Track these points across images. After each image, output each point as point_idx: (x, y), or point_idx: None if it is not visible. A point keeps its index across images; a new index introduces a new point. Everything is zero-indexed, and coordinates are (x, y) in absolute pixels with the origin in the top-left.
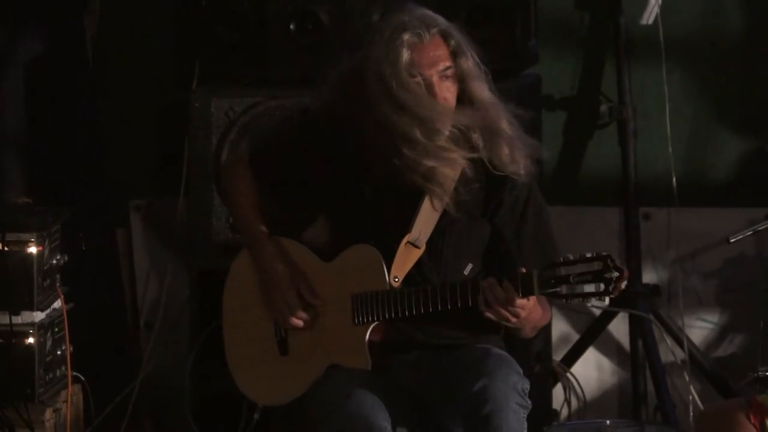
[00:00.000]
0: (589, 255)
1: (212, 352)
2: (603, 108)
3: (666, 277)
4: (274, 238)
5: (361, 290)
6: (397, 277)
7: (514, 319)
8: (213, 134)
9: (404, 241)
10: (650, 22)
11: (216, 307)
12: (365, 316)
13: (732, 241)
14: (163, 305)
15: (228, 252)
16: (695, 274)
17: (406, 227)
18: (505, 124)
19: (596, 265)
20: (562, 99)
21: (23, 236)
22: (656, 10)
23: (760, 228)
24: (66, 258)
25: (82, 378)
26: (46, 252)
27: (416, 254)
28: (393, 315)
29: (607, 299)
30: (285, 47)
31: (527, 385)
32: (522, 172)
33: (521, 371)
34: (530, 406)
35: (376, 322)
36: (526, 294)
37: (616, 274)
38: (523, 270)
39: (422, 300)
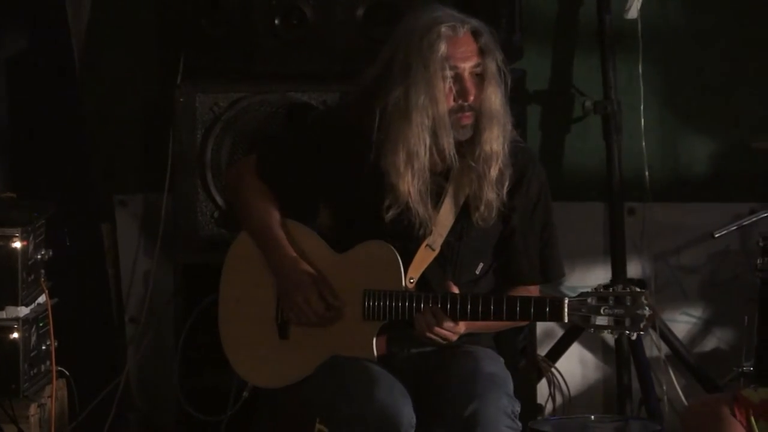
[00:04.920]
0: (623, 289)
1: (199, 345)
2: (587, 103)
3: (650, 271)
4: (288, 229)
5: (373, 286)
6: (413, 279)
7: (453, 338)
8: (198, 129)
9: (424, 243)
10: (633, 16)
11: (202, 301)
12: (376, 313)
13: (717, 235)
14: (148, 300)
15: (213, 246)
16: (680, 268)
17: (425, 230)
18: (503, 140)
19: (629, 300)
20: (547, 94)
21: (8, 231)
22: (638, 4)
23: (745, 223)
24: (51, 253)
25: (67, 373)
26: (31, 247)
27: (431, 256)
28: (404, 316)
29: (636, 335)
30: (270, 42)
31: (518, 408)
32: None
33: (511, 391)
34: (520, 429)
35: (385, 321)
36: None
37: (648, 311)
38: (454, 289)
39: (438, 306)
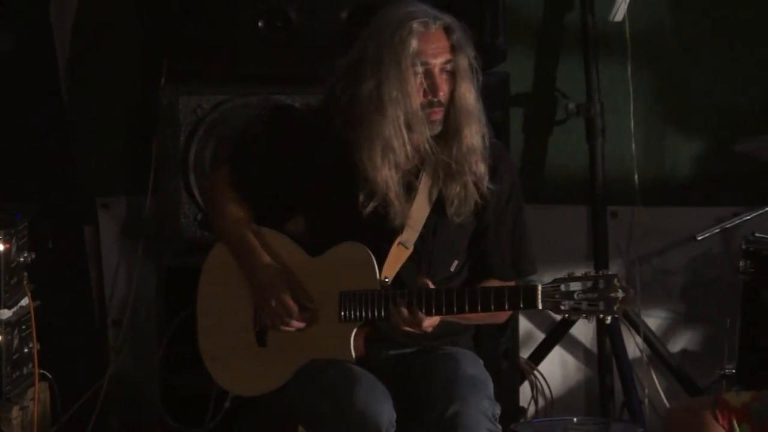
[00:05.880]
0: (595, 273)
1: (181, 347)
2: (571, 105)
3: (633, 274)
4: (262, 236)
5: (349, 288)
6: (387, 278)
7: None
8: (181, 132)
9: (396, 241)
10: (618, 19)
11: (184, 303)
12: (353, 314)
13: (699, 238)
14: (131, 302)
15: (196, 249)
16: (663, 271)
17: (398, 228)
18: (476, 137)
19: (601, 284)
20: (530, 96)
21: None
22: (624, 7)
23: (728, 225)
24: (33, 255)
25: (50, 375)
26: (13, 249)
27: (405, 254)
28: (381, 315)
29: (610, 318)
30: (254, 45)
31: (498, 410)
32: (485, 183)
33: (492, 394)
34: (501, 431)
35: (362, 321)
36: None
37: (621, 294)
38: (429, 284)
39: (414, 302)
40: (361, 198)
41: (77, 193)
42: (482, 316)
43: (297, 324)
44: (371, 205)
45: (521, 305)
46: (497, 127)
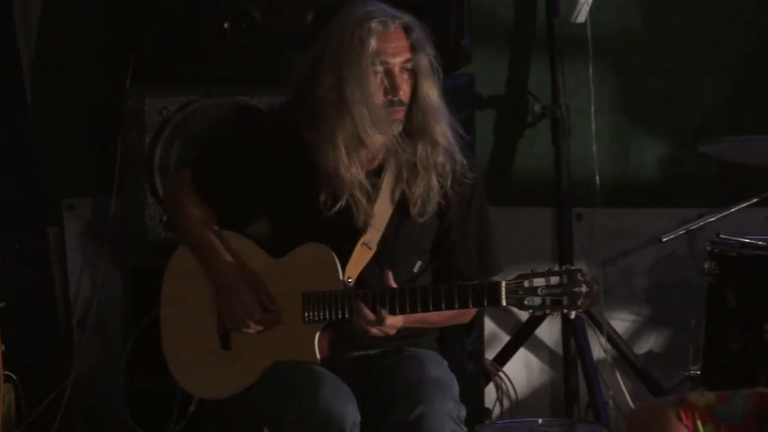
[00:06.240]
0: (558, 268)
1: (146, 349)
2: (536, 107)
3: (599, 275)
4: (224, 239)
5: (312, 289)
6: (350, 278)
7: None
8: (147, 133)
9: (360, 242)
10: (581, 20)
11: (149, 305)
12: (316, 315)
13: (664, 240)
14: (96, 303)
15: (161, 250)
16: (628, 273)
17: (361, 228)
18: (442, 135)
19: (565, 279)
20: (495, 98)
21: None
22: (586, 8)
23: (693, 227)
24: None
25: (14, 377)
26: None
27: (368, 254)
28: (345, 315)
29: (574, 313)
30: (219, 46)
31: (463, 412)
32: (449, 182)
33: (457, 396)
34: None
35: (326, 322)
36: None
37: (585, 288)
38: (392, 283)
39: (377, 301)
40: (324, 198)
41: (42, 194)
42: (447, 317)
43: (260, 327)
44: (334, 206)
45: (485, 302)
46: (462, 129)
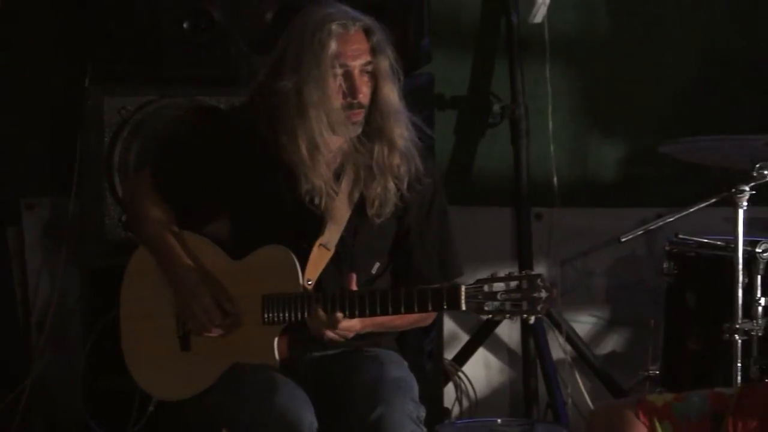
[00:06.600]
0: (518, 273)
1: (105, 350)
2: (495, 107)
3: (558, 276)
4: (184, 240)
5: (272, 291)
6: (310, 280)
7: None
8: (106, 133)
9: (317, 243)
10: (538, 20)
11: (108, 305)
12: (275, 317)
13: (623, 240)
14: (55, 304)
15: (120, 250)
16: (587, 273)
17: (319, 230)
18: (400, 138)
19: (525, 283)
20: (455, 98)
21: None
22: (543, 9)
23: (651, 227)
24: None
25: None
26: None
27: (327, 256)
28: (304, 317)
29: (533, 318)
30: (178, 45)
31: (423, 413)
32: (406, 185)
33: (416, 396)
34: None
35: (285, 324)
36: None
37: (544, 293)
38: (353, 286)
39: (336, 304)
40: (283, 199)
41: (0, 193)
42: (407, 322)
43: (219, 329)
44: (293, 206)
45: (444, 306)
46: (422, 129)
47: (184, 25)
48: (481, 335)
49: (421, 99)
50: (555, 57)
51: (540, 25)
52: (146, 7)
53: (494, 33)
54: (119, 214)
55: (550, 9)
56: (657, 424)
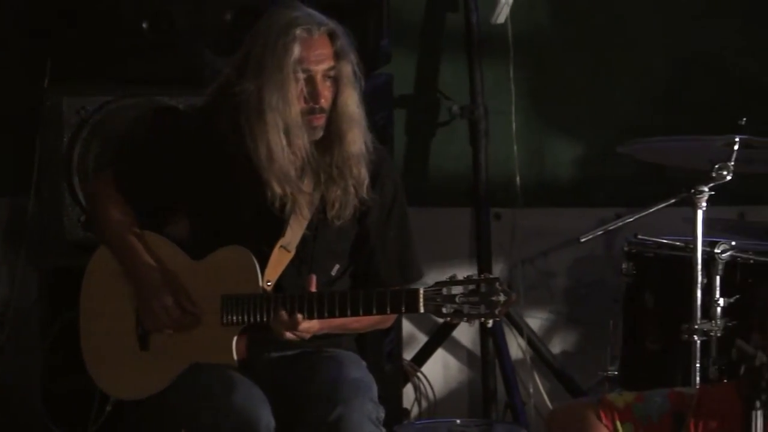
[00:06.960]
0: (477, 276)
1: (64, 349)
2: (454, 107)
3: (517, 276)
4: (145, 240)
5: (232, 292)
6: (270, 282)
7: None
8: (65, 133)
9: (278, 245)
10: (501, 21)
11: (67, 305)
12: (234, 318)
13: (583, 240)
14: (13, 304)
15: (79, 250)
16: (546, 273)
17: (279, 231)
18: (358, 143)
19: (483, 287)
20: (414, 98)
21: None
22: (507, 9)
23: (611, 227)
24: None
25: None
26: None
27: (287, 258)
28: (263, 318)
29: (491, 321)
30: (138, 46)
31: (382, 413)
32: (365, 188)
33: (376, 397)
34: None
35: (244, 324)
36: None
37: (502, 297)
38: (312, 287)
39: (296, 306)
40: (242, 200)
41: None
42: (367, 324)
43: (178, 328)
44: (253, 208)
45: (403, 308)
46: (381, 130)
47: (144, 26)
48: (440, 336)
49: (379, 99)
50: (518, 57)
51: (503, 25)
52: (106, 7)
53: (453, 33)
54: (78, 214)
55: (513, 9)
56: (619, 426)
